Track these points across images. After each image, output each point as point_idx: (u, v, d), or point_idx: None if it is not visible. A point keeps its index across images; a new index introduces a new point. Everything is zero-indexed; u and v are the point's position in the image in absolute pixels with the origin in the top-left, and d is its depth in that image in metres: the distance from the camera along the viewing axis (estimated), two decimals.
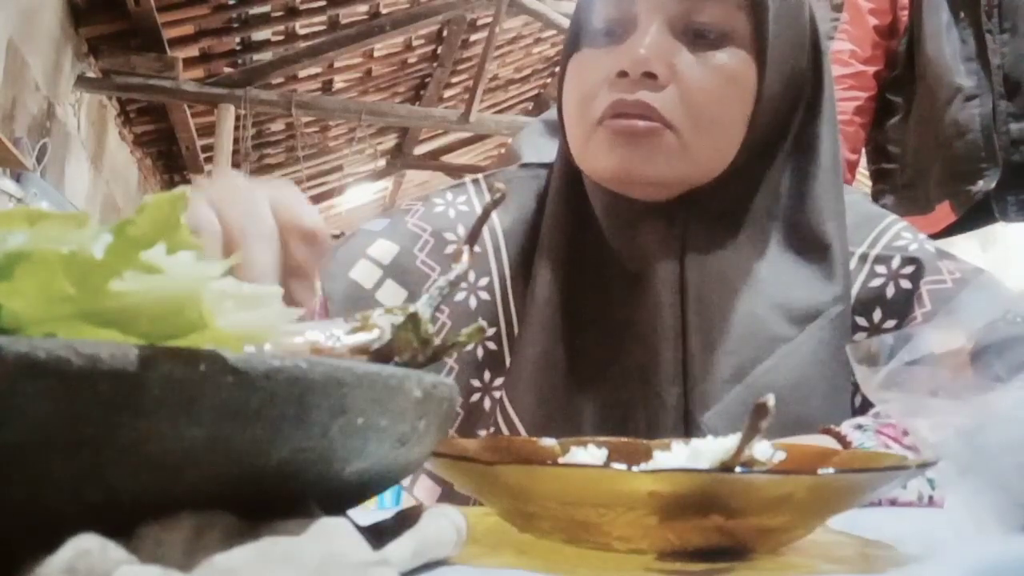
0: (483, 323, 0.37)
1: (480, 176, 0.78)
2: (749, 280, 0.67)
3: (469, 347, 0.69)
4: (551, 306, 0.68)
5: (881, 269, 0.71)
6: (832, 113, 0.72)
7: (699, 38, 0.65)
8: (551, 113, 0.82)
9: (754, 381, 0.64)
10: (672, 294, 0.66)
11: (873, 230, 0.73)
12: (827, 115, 0.72)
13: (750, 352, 0.65)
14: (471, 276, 0.72)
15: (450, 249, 0.72)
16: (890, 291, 0.70)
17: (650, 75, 0.64)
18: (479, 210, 0.72)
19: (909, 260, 0.70)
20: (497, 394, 0.69)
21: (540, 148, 0.79)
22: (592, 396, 0.66)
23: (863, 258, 0.71)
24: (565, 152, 0.72)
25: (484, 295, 0.72)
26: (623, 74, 0.64)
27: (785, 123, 0.70)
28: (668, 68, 0.64)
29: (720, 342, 0.65)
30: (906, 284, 0.69)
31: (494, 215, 0.72)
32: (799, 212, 0.70)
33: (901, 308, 0.69)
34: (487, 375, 0.70)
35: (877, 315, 0.70)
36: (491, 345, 0.71)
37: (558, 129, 0.74)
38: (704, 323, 0.65)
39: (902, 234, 0.73)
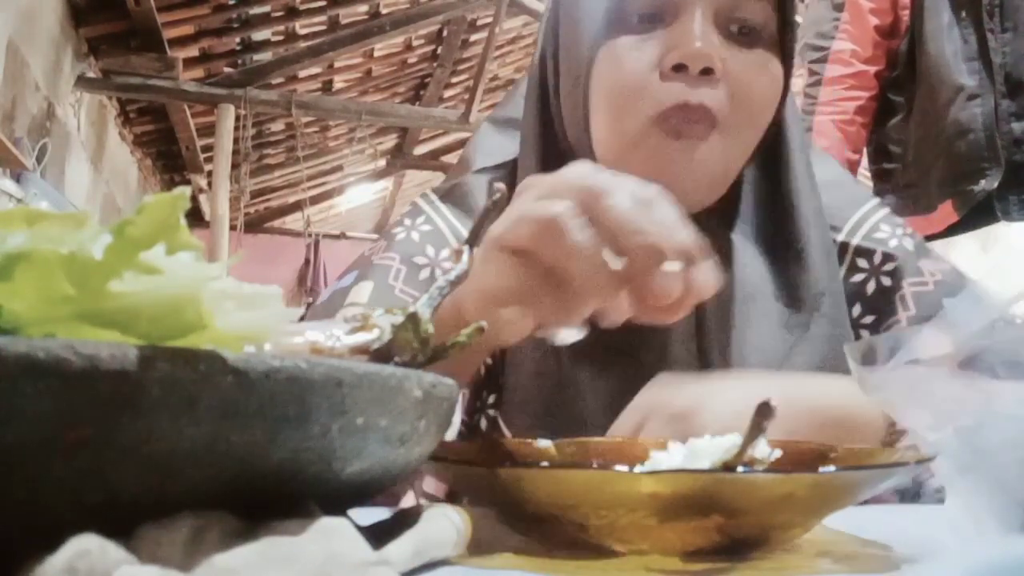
0: (484, 323, 0.36)
1: (428, 191, 0.74)
2: (755, 283, 0.66)
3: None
4: None
5: (863, 263, 0.71)
6: (787, 90, 0.68)
7: (740, 34, 0.63)
8: (499, 111, 0.79)
9: None
10: (687, 318, 0.62)
11: (855, 214, 0.72)
12: (786, 93, 0.68)
13: (766, 359, 0.63)
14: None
15: (424, 274, 0.68)
16: (870, 287, 0.70)
17: (708, 71, 0.60)
18: (442, 226, 0.70)
19: (889, 257, 0.70)
20: (492, 412, 0.65)
21: (494, 150, 0.75)
22: (592, 417, 0.61)
23: (844, 247, 0.71)
24: (541, 151, 0.68)
25: None
26: (680, 67, 0.61)
27: None
28: (722, 63, 0.61)
29: (737, 359, 0.63)
30: (886, 281, 0.70)
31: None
32: (776, 197, 0.69)
33: (881, 305, 0.70)
34: (483, 392, 0.67)
35: (856, 310, 0.70)
36: (487, 360, 0.66)
37: (510, 125, 0.72)
38: (721, 343, 0.63)
39: (881, 226, 0.72)
